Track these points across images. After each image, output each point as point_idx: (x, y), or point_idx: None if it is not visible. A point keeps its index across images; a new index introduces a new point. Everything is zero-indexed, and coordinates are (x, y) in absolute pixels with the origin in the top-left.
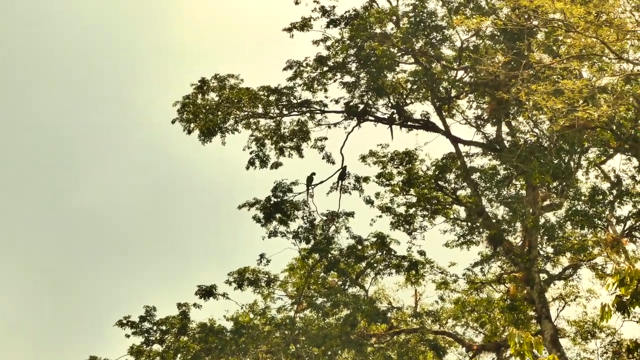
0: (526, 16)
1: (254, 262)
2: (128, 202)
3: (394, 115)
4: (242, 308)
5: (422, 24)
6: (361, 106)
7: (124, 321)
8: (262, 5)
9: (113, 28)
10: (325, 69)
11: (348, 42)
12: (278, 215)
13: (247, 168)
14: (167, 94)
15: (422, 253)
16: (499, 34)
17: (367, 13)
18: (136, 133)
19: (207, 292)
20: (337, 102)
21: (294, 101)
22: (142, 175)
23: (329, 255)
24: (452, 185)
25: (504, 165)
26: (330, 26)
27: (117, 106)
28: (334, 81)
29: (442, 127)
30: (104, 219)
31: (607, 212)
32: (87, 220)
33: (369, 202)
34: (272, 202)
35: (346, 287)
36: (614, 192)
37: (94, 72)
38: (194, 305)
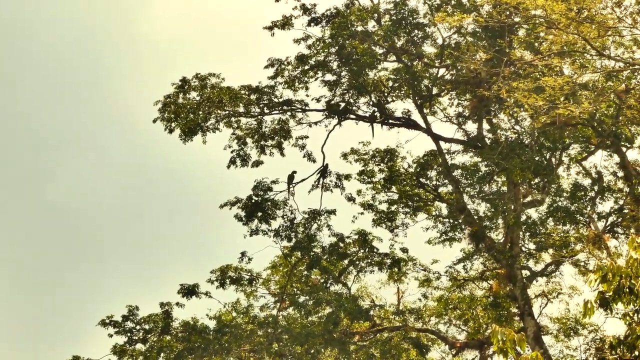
0: (507, 13)
1: (236, 261)
2: (107, 199)
3: (375, 114)
4: (224, 307)
5: (403, 22)
6: (342, 104)
7: (107, 320)
8: (242, 3)
9: (93, 26)
10: (306, 67)
11: (329, 40)
12: (259, 214)
13: (228, 167)
14: (148, 92)
15: (404, 250)
16: (480, 31)
17: (348, 11)
18: (116, 131)
19: (189, 291)
20: (318, 100)
21: (275, 100)
22: (122, 173)
23: (311, 253)
24: (434, 183)
25: (485, 162)
26: (312, 24)
27: (97, 104)
28: (315, 79)
29: (423, 124)
30: (81, 215)
31: (588, 209)
32: (64, 216)
33: (351, 199)
34: (253, 200)
35: (328, 285)
36: (596, 188)
37: (74, 69)
38: (177, 304)
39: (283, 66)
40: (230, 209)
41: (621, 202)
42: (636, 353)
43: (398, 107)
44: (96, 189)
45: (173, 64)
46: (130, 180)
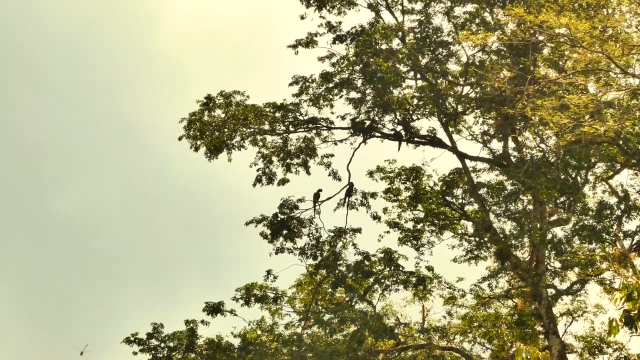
0: (531, 31)
1: (262, 279)
2: (128, 214)
3: (400, 132)
4: (249, 324)
5: (427, 40)
6: (367, 122)
7: (132, 338)
8: (267, 21)
9: (105, 40)
10: (330, 85)
11: (354, 58)
12: (285, 232)
13: (254, 185)
14: (169, 109)
15: (429, 268)
16: (504, 49)
17: (372, 29)
18: (136, 147)
19: (214, 309)
20: (343, 118)
21: (300, 118)
22: (145, 189)
23: (337, 271)
24: (460, 201)
25: (511, 181)
26: (336, 42)
27: (113, 118)
28: (340, 97)
29: (448, 142)
30: (97, 230)
31: (614, 227)
32: (77, 231)
33: (376, 217)
34: (279, 218)
35: (354, 303)
36: (622, 206)
37: (85, 82)
38: (202, 322)
39: (307, 84)
40: (256, 226)
41: None
42: None
43: (423, 125)
44: (115, 204)
45: (189, 80)
46: (154, 196)
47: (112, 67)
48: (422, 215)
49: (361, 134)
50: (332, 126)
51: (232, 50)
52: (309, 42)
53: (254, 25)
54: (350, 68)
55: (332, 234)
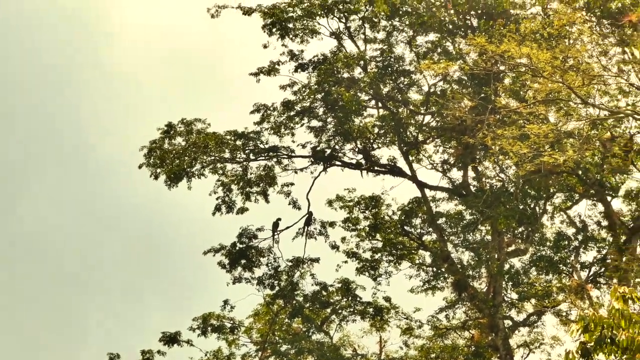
0: (493, 61)
1: (219, 308)
2: (81, 240)
3: (360, 160)
4: (206, 355)
5: (389, 69)
6: (328, 151)
7: None
8: (229, 46)
9: (58, 58)
10: (292, 113)
11: (315, 86)
12: (243, 261)
13: (214, 214)
14: (130, 131)
15: (387, 299)
16: (466, 78)
17: (335, 57)
18: (97, 170)
19: (171, 339)
20: (304, 146)
21: (261, 146)
22: (102, 215)
23: (294, 302)
24: (418, 231)
25: (470, 211)
26: (299, 70)
27: (73, 141)
28: (301, 126)
29: (408, 171)
30: (58, 257)
31: (572, 258)
32: (35, 257)
33: (335, 247)
34: (237, 248)
35: (311, 333)
36: (579, 237)
37: (42, 100)
38: (158, 352)
39: (269, 112)
40: (214, 255)
41: (604, 251)
42: None
43: (383, 154)
44: (71, 230)
45: (150, 102)
46: (111, 223)
47: (69, 85)
48: (380, 245)
49: (321, 163)
50: (293, 155)
51: (194, 74)
52: (271, 70)
53: (216, 51)
54: (312, 96)
55: (290, 264)
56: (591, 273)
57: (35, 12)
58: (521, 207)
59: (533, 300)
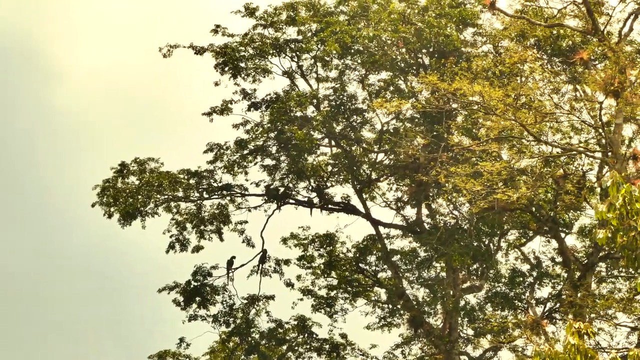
0: (445, 99)
1: (174, 346)
2: (38, 280)
3: (313, 199)
4: None
5: (342, 107)
6: (281, 189)
7: None
8: (180, 84)
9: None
10: (245, 152)
11: (268, 125)
12: (198, 299)
13: (167, 252)
14: (82, 171)
15: (343, 336)
16: (418, 116)
17: (287, 96)
18: (49, 209)
19: None
20: (257, 185)
21: (215, 184)
22: (54, 254)
23: (250, 339)
24: (373, 268)
25: (424, 248)
26: (251, 109)
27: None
28: (255, 164)
29: (362, 209)
30: (10, 294)
31: (527, 294)
32: None
33: (290, 285)
34: (192, 285)
35: None
36: (534, 274)
37: None
38: None
39: (222, 151)
40: (169, 293)
41: (559, 287)
42: None
43: (337, 191)
44: (23, 269)
45: (100, 142)
46: (63, 262)
47: (20, 124)
48: (335, 282)
49: (275, 201)
50: (247, 193)
51: (146, 114)
52: (224, 109)
53: (168, 90)
54: (265, 135)
55: (245, 301)
56: (546, 309)
57: None
58: (475, 244)
59: (489, 336)
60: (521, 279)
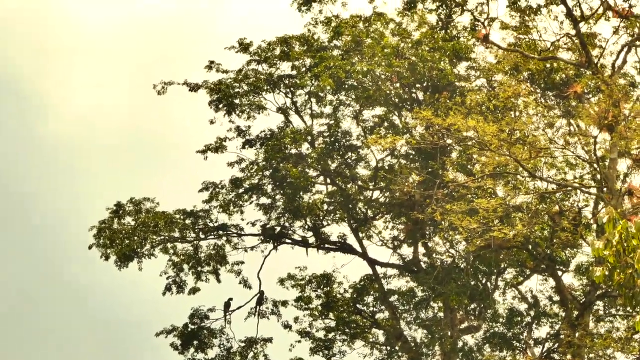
0: (439, 134)
1: None
2: (31, 321)
3: (309, 238)
4: None
5: (337, 144)
6: (277, 229)
7: None
8: (175, 125)
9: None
10: (240, 190)
11: (263, 163)
12: (195, 342)
13: (164, 293)
14: (79, 219)
15: None
16: (413, 152)
17: (282, 133)
18: (43, 249)
19: None
20: (253, 224)
21: (211, 224)
22: (48, 295)
23: None
24: (371, 308)
25: (421, 287)
26: (246, 146)
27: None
28: (250, 203)
29: (359, 248)
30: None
31: (525, 334)
32: None
33: (287, 327)
34: (189, 329)
35: None
36: (532, 313)
37: None
38: None
39: (217, 189)
40: (166, 337)
41: (557, 327)
42: None
43: (333, 230)
44: (15, 310)
45: (94, 184)
46: (58, 304)
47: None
48: (333, 323)
49: (271, 241)
50: (243, 233)
51: (140, 153)
52: (218, 147)
53: (163, 127)
54: (260, 173)
55: (243, 344)
56: (545, 349)
57: None
58: (472, 283)
59: None
60: (519, 318)
